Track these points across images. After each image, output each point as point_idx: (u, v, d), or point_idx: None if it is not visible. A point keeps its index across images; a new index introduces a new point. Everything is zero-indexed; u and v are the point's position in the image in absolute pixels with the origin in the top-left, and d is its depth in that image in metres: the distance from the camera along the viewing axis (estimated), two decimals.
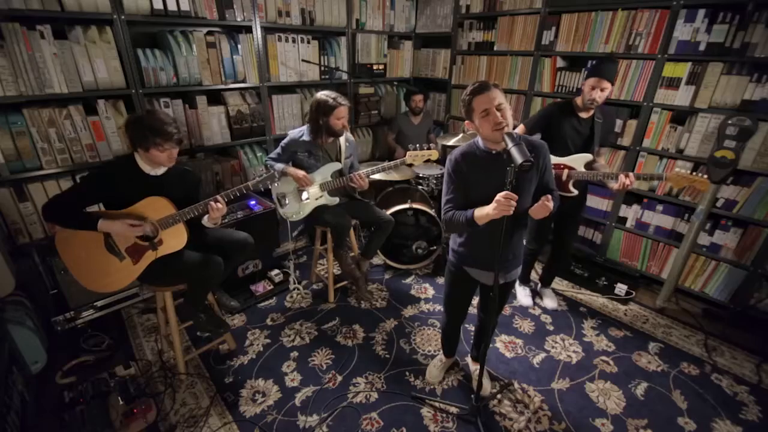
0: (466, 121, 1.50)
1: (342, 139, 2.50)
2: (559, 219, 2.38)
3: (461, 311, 1.89)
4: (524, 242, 1.69)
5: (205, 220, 1.90)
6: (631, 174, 2.01)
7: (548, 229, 2.45)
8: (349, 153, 2.55)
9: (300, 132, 2.44)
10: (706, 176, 1.99)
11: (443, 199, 1.59)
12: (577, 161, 2.20)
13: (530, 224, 2.48)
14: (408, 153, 2.35)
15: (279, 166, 2.40)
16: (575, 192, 2.24)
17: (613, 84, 2.08)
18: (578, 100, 2.18)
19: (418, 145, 2.35)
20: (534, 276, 2.90)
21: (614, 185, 2.08)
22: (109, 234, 1.75)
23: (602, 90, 2.06)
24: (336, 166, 2.48)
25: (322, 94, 2.33)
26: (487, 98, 1.38)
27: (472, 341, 2.17)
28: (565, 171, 2.19)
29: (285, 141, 2.44)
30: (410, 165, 2.50)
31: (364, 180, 2.36)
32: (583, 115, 2.19)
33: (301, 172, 2.36)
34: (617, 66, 2.28)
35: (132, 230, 1.71)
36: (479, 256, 1.63)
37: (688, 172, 1.99)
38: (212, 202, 1.79)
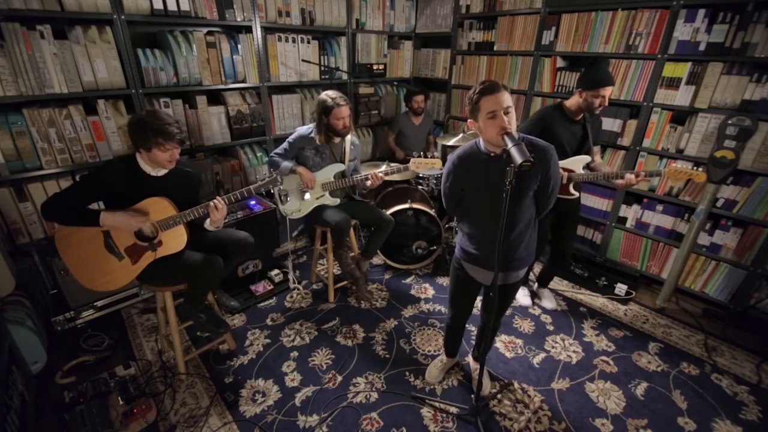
0: (469, 120, 1.46)
1: (347, 141, 2.51)
2: (558, 221, 2.37)
3: (464, 308, 1.88)
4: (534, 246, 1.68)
5: (207, 224, 1.90)
6: (637, 172, 2.13)
7: (546, 232, 2.40)
8: (353, 156, 2.56)
9: (309, 129, 2.45)
10: (701, 169, 2.09)
11: (443, 191, 1.66)
12: (576, 163, 2.20)
13: None
14: (411, 160, 2.36)
15: (286, 164, 2.40)
16: (576, 194, 2.25)
17: (613, 84, 2.08)
18: (569, 104, 2.18)
19: (421, 153, 2.36)
20: (531, 276, 2.90)
21: (620, 182, 2.15)
22: (109, 233, 1.75)
23: (605, 96, 2.06)
24: (339, 167, 2.49)
25: (324, 94, 2.35)
26: (497, 100, 1.34)
27: (474, 340, 2.17)
28: (566, 174, 2.19)
29: (293, 137, 2.45)
30: None
31: (379, 179, 2.40)
32: (575, 117, 2.19)
33: (309, 175, 2.38)
34: (608, 65, 2.29)
35: (136, 220, 1.71)
36: (479, 253, 1.63)
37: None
38: (212, 203, 1.79)
